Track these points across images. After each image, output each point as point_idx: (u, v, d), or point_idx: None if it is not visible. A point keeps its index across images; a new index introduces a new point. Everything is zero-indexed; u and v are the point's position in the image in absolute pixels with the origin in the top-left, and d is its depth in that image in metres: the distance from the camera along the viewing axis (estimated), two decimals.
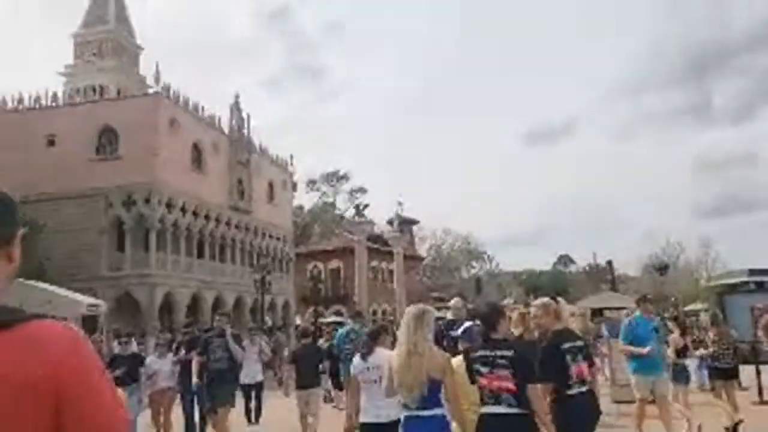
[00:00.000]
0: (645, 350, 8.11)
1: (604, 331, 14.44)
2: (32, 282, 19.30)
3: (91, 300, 22.12)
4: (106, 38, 54.82)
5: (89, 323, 21.89)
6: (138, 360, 10.36)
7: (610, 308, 21.12)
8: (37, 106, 34.91)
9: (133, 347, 14.66)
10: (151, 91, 34.25)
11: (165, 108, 33.18)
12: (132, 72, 54.05)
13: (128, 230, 32.30)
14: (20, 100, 35.22)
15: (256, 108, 67.63)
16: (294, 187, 68.50)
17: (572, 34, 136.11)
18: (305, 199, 68.33)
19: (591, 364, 5.35)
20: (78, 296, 21.78)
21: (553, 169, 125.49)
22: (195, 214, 34.97)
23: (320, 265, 54.02)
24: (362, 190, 67.45)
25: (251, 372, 11.95)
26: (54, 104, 34.88)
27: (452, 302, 9.44)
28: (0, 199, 1.31)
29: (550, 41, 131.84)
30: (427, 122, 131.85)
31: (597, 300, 26.46)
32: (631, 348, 8.36)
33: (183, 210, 34.02)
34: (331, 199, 68.60)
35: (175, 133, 33.55)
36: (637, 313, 8.75)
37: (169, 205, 33.03)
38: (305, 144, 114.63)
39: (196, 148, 35.57)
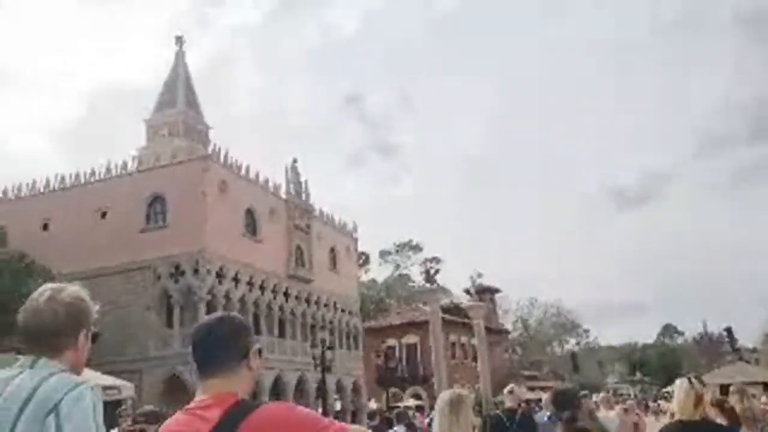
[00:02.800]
0: None
1: None
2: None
3: (109, 381, 18.93)
4: (176, 120, 55.41)
5: (109, 411, 18.90)
6: None
7: (748, 383, 16.42)
8: (92, 180, 34.12)
9: None
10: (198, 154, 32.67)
11: (214, 171, 31.43)
12: (201, 150, 54.12)
13: (176, 303, 30.07)
14: (76, 176, 34.65)
15: (333, 187, 66.46)
16: (367, 260, 65.96)
17: (658, 84, 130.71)
18: (378, 272, 65.35)
19: None
20: (96, 378, 18.85)
21: (645, 233, 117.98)
22: (249, 284, 32.45)
23: (394, 341, 50.05)
24: (437, 260, 63.73)
25: None
26: (108, 176, 33.90)
27: (509, 387, 8.18)
28: (239, 323, 1.95)
29: (630, 96, 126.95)
30: (505, 190, 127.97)
31: (728, 374, 21.58)
32: None
33: (236, 280, 31.60)
34: (405, 271, 65.27)
35: (225, 199, 31.60)
36: None
37: (220, 275, 30.68)
38: (381, 219, 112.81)
39: (250, 214, 33.45)
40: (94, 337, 2.04)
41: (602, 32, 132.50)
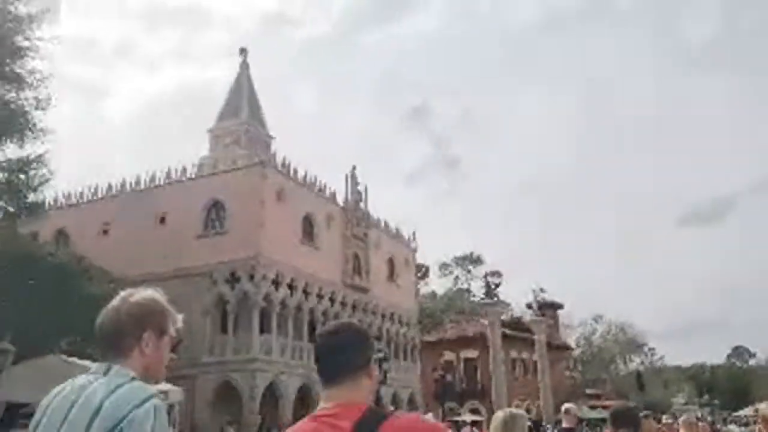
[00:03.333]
0: None
1: None
2: (74, 359, 16.11)
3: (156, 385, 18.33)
4: (239, 130, 55.84)
5: None
6: None
7: None
8: (152, 185, 34.28)
9: None
10: (256, 160, 32.35)
11: (272, 178, 31.11)
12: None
13: (231, 310, 29.69)
14: (137, 182, 34.89)
15: (394, 199, 65.74)
16: (426, 272, 64.80)
17: (726, 103, 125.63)
18: (438, 285, 64.13)
19: None
20: None
21: (715, 252, 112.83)
22: (305, 291, 31.87)
23: (452, 355, 48.72)
24: (498, 274, 61.97)
25: None
26: (168, 182, 33.97)
27: (565, 406, 8.10)
28: (362, 331, 1.94)
29: (701, 114, 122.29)
30: (570, 205, 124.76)
31: None
32: None
33: (291, 287, 31.06)
34: (465, 285, 63.86)
35: (283, 205, 31.18)
36: None
37: (276, 282, 30.18)
38: (441, 232, 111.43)
39: (308, 221, 32.94)
40: (176, 345, 2.00)
41: (677, 47, 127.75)
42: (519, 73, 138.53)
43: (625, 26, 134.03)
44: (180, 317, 2.02)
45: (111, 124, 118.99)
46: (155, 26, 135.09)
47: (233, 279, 29.74)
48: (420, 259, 50.45)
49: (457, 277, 65.68)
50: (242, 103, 55.84)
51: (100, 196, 35.58)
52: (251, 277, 29.30)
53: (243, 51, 58.48)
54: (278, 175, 31.72)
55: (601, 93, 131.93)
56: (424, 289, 62.66)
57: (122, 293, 1.97)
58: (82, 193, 36.20)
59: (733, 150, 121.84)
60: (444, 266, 64.58)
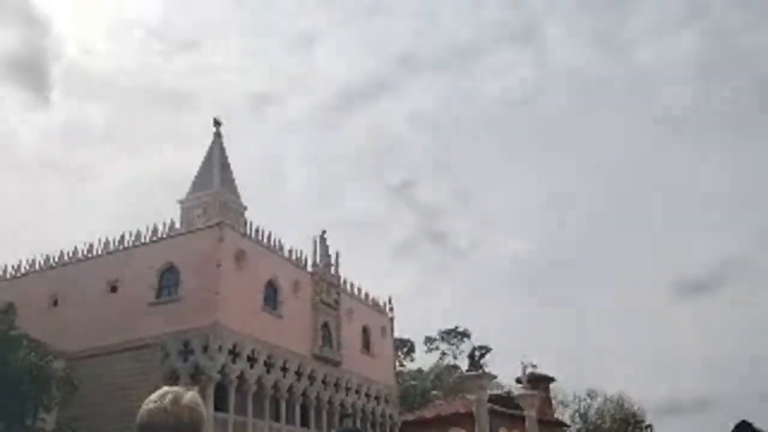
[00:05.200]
0: None
1: None
2: None
3: None
4: (212, 201, 54.03)
5: None
6: None
7: None
8: (105, 251, 31.97)
9: None
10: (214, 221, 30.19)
11: (230, 240, 28.88)
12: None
13: (183, 386, 26.73)
14: (89, 248, 32.61)
15: (384, 277, 63.63)
16: (412, 348, 61.75)
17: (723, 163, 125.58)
18: (425, 360, 60.95)
19: None
20: None
21: (713, 323, 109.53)
22: (268, 364, 29.04)
23: None
24: (485, 349, 59.20)
25: None
26: (121, 248, 31.66)
27: None
28: None
29: (700, 174, 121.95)
30: (562, 279, 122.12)
31: None
32: None
33: (252, 359, 28.27)
34: (454, 362, 60.75)
35: (242, 269, 28.85)
36: None
37: (234, 354, 27.42)
38: (427, 307, 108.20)
39: (271, 287, 30.47)
40: None
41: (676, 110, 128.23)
42: (511, 149, 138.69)
43: (618, 102, 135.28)
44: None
45: (91, 205, 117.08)
46: (141, 108, 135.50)
47: (186, 350, 27.00)
48: (405, 334, 47.66)
49: (443, 353, 62.60)
50: (214, 174, 54.05)
51: (51, 264, 33.20)
52: (205, 349, 26.57)
53: (216, 123, 57.18)
54: (237, 236, 29.55)
55: (597, 168, 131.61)
56: (409, 366, 59.56)
57: (169, 392, 1.91)
58: (33, 262, 33.79)
59: (730, 218, 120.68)
60: (429, 340, 61.57)
